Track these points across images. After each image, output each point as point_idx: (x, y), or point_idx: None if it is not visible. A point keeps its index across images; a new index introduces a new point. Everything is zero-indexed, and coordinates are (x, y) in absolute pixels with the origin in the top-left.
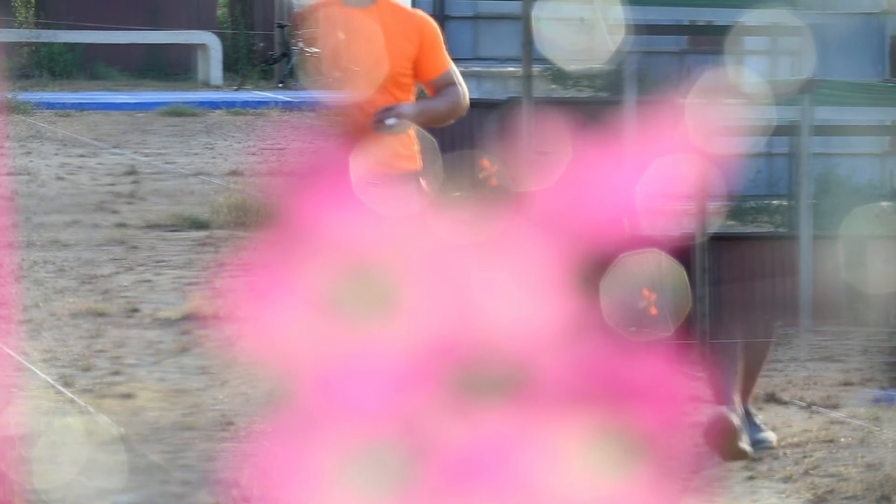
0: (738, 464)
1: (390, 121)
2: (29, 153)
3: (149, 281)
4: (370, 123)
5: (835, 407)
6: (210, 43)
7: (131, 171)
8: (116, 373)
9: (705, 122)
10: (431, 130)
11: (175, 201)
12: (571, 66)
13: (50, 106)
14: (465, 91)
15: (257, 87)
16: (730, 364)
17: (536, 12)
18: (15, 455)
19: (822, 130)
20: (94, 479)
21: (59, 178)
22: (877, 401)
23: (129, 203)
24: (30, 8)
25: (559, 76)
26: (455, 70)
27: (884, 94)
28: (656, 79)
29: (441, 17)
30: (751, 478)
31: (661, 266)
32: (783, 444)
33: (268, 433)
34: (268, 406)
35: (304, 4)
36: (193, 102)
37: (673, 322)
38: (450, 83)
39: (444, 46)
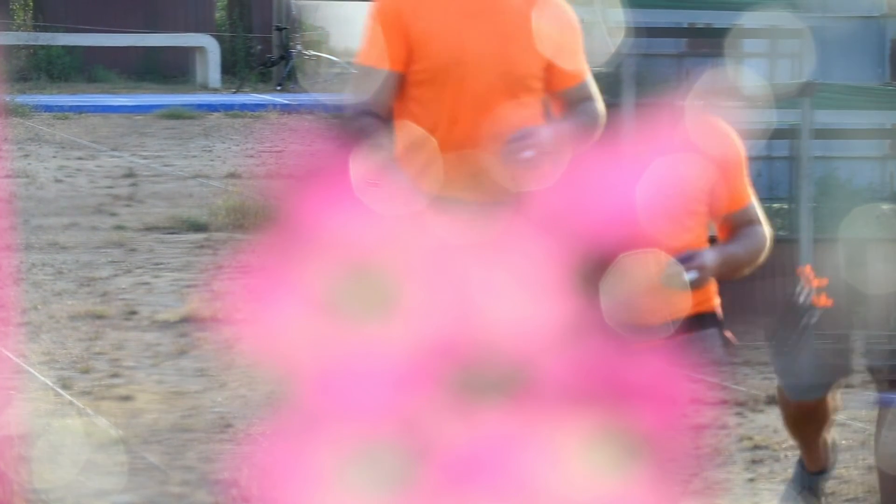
0: (740, 465)
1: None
2: (27, 156)
3: (147, 283)
4: (500, 147)
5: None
6: (208, 46)
7: (130, 174)
8: (115, 375)
9: (704, 124)
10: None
11: (173, 204)
12: None
13: (48, 109)
14: (603, 110)
15: (255, 90)
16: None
17: None
18: (15, 455)
19: (822, 134)
20: (93, 480)
21: (58, 181)
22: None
23: (128, 205)
24: (28, 11)
25: None
26: (592, 80)
27: (884, 98)
28: (655, 81)
29: None
30: (752, 480)
31: (661, 266)
32: (784, 446)
33: (267, 434)
34: (267, 408)
35: (301, 7)
36: (191, 105)
37: (673, 323)
38: (586, 97)
39: (583, 47)
